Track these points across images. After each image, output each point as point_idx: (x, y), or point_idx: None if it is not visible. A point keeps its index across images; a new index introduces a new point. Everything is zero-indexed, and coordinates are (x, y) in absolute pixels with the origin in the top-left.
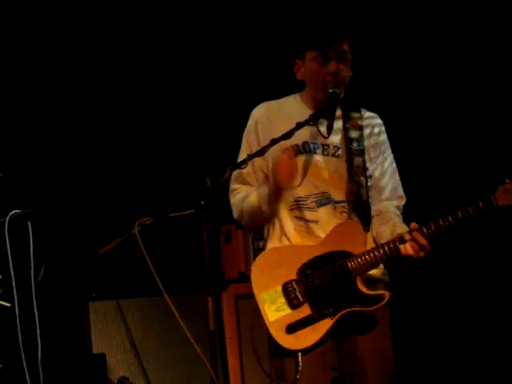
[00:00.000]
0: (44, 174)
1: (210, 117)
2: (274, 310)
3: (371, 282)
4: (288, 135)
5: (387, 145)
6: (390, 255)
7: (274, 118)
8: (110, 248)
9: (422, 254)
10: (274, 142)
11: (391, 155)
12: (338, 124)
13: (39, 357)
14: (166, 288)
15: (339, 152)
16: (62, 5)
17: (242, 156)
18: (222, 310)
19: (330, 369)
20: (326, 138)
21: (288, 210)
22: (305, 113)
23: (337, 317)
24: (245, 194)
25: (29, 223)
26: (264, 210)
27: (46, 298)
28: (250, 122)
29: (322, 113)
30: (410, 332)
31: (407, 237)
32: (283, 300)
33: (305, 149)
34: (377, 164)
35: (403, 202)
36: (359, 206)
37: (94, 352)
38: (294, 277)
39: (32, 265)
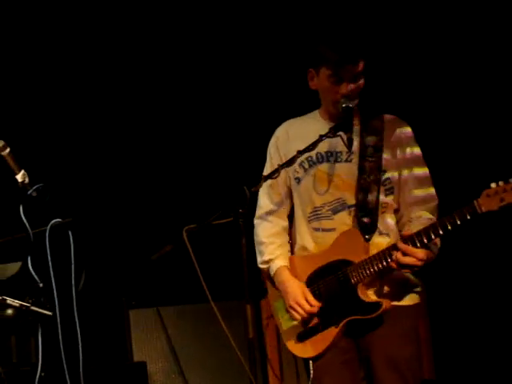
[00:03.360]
0: (85, 182)
1: (247, 128)
2: (287, 319)
3: (397, 288)
4: (312, 146)
5: (414, 148)
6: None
7: (294, 134)
8: (162, 254)
9: (417, 264)
10: (300, 152)
11: (419, 158)
12: (356, 129)
13: (81, 365)
14: (206, 295)
15: (352, 156)
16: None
17: (267, 170)
18: (261, 318)
19: (358, 379)
20: (348, 151)
21: (306, 223)
22: (322, 127)
23: (340, 325)
24: (268, 241)
25: (70, 232)
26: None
27: (86, 307)
28: (272, 139)
29: (340, 127)
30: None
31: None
32: None
33: (318, 159)
34: (402, 168)
35: (434, 203)
36: (365, 211)
37: (135, 360)
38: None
39: (73, 273)
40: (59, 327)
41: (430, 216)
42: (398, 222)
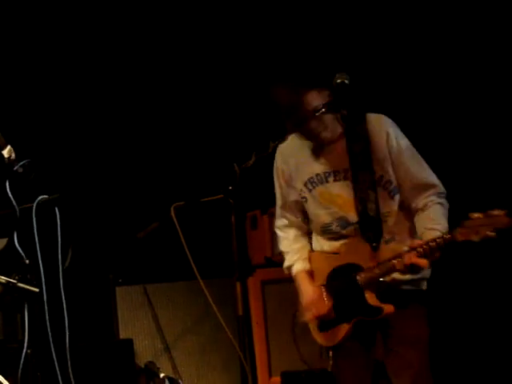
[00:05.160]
0: (71, 158)
1: (236, 104)
2: None
3: (401, 295)
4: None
5: (400, 142)
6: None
7: (288, 157)
8: (149, 231)
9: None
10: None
11: (409, 149)
12: (343, 144)
13: (67, 342)
14: (193, 272)
15: (348, 174)
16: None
17: (276, 192)
18: (248, 296)
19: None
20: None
21: (321, 233)
22: (312, 145)
23: (351, 323)
24: (287, 248)
25: (56, 208)
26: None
27: (73, 284)
28: (274, 170)
29: (334, 104)
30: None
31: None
32: None
33: (319, 180)
34: (395, 165)
35: (439, 189)
36: (367, 224)
37: (121, 337)
38: (324, 282)
39: (59, 250)
40: (45, 304)
41: (439, 200)
42: (404, 207)
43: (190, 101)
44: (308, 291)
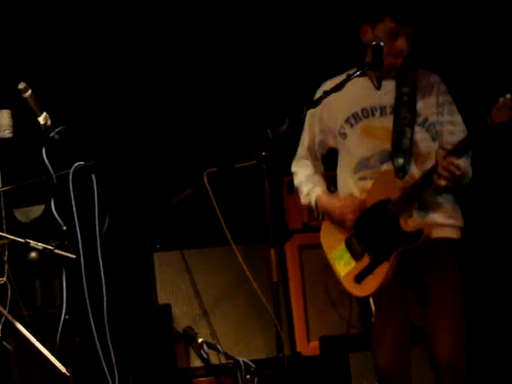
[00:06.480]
0: (107, 125)
1: (270, 68)
2: (343, 265)
3: (439, 219)
4: (339, 87)
5: (447, 95)
6: (423, 184)
7: (335, 94)
8: (182, 198)
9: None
10: (327, 93)
11: (453, 104)
12: (393, 84)
13: (105, 308)
14: (231, 238)
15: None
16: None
17: (304, 132)
18: (285, 261)
19: (403, 311)
20: (378, 89)
21: (352, 173)
22: (362, 82)
23: (391, 260)
24: (306, 179)
25: (93, 175)
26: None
27: (110, 250)
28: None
29: (369, 65)
30: None
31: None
32: (348, 255)
33: (364, 114)
34: (441, 112)
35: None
36: (399, 151)
37: (160, 303)
38: (352, 231)
39: (96, 216)
40: (83, 270)
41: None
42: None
43: (222, 66)
44: (338, 200)
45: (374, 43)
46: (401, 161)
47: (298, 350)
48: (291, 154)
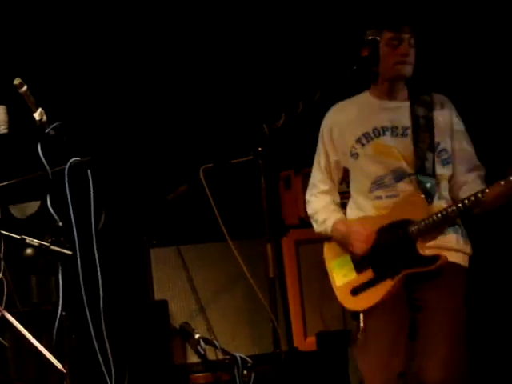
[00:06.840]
0: (103, 121)
1: (266, 63)
2: (342, 276)
3: (452, 246)
4: (339, 87)
5: (461, 123)
6: (451, 214)
7: (346, 120)
8: (178, 193)
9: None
10: (325, 91)
11: (466, 132)
12: (406, 104)
13: (101, 304)
14: (228, 234)
15: (408, 131)
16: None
17: (319, 156)
18: (282, 256)
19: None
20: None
21: (367, 193)
22: (372, 103)
23: (397, 278)
24: (322, 208)
25: (88, 171)
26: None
27: (107, 246)
28: (324, 127)
29: (366, 59)
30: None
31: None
32: (351, 266)
33: (375, 134)
34: (455, 139)
35: (483, 172)
36: (426, 176)
37: (156, 299)
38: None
39: (92, 212)
40: (79, 266)
41: (480, 182)
42: (449, 191)
43: (219, 61)
44: (354, 225)
45: (370, 37)
46: (428, 185)
47: (295, 345)
48: (287, 150)
